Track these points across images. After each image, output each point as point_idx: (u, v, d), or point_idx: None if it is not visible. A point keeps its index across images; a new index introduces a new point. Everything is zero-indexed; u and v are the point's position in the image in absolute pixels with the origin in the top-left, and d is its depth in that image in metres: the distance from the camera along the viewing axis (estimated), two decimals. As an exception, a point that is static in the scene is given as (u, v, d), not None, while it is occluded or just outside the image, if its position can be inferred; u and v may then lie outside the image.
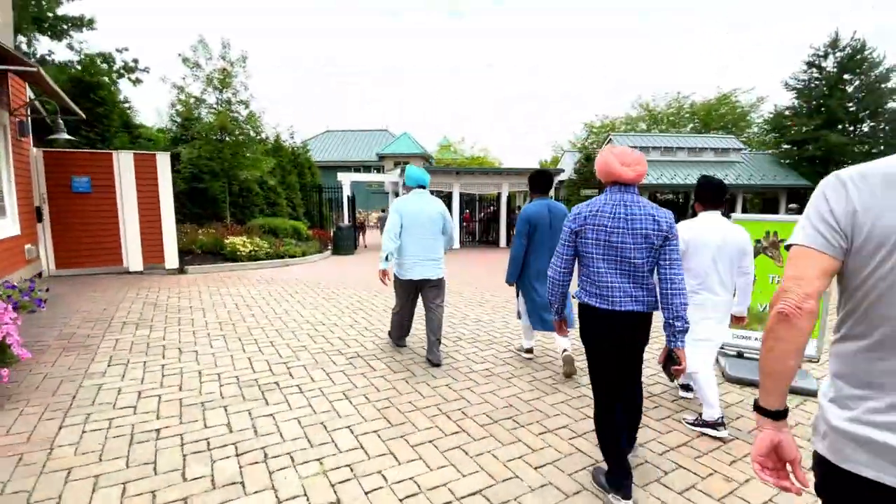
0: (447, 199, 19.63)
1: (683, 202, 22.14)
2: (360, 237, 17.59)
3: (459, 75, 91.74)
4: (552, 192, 16.90)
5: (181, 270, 8.68)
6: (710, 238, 2.92)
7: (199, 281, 7.93)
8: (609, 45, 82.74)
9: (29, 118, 6.77)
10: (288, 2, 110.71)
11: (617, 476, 2.21)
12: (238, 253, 9.96)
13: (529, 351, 4.35)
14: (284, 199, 16.10)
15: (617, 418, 2.27)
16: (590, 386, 2.65)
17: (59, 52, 23.85)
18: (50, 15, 23.15)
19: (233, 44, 11.73)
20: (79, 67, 17.60)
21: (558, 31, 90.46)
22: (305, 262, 11.63)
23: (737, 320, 3.30)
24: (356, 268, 10.63)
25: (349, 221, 17.00)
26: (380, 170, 33.01)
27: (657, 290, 2.23)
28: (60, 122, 6.79)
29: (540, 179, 4.07)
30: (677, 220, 2.50)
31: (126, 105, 11.35)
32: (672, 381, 3.38)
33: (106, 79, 22.64)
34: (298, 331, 5.04)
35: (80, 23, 23.89)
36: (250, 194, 14.35)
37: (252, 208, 14.35)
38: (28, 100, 6.61)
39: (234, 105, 11.64)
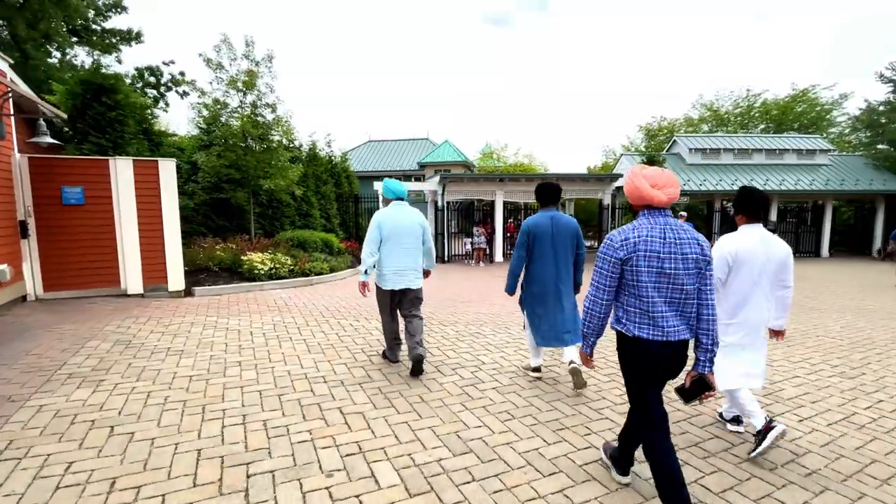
0: (490, 207, 18.13)
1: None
2: None
3: (499, 80, 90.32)
4: (608, 200, 15.00)
5: (188, 292, 7.65)
6: (757, 253, 2.84)
7: (201, 307, 6.83)
8: (651, 45, 78.81)
9: (11, 118, 5.93)
10: (320, 15, 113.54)
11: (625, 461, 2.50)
12: (256, 271, 8.87)
13: (537, 370, 4.12)
14: (318, 210, 15.14)
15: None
16: None
17: (111, 66, 24.47)
18: (98, 28, 23.84)
19: (258, 41, 10.74)
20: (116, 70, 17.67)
21: (599, 32, 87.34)
22: (334, 280, 10.44)
23: (776, 334, 3.14)
24: None
25: (385, 233, 15.86)
26: (421, 179, 32.03)
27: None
28: (42, 123, 5.90)
29: (544, 191, 3.92)
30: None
31: (149, 111, 10.59)
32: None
33: (144, 85, 22.94)
34: (288, 394, 3.68)
35: (129, 36, 24.48)
36: (280, 205, 13.44)
37: (282, 220, 13.43)
38: (6, 92, 5.71)
39: (260, 108, 10.70)
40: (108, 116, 8.91)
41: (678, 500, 2.06)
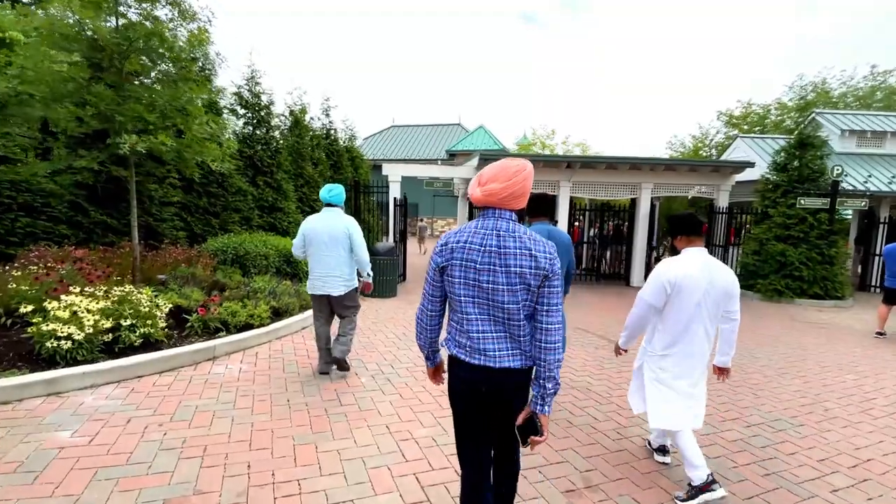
0: (550, 205, 12.73)
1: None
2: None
3: (539, 70, 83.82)
4: (724, 201, 8.26)
5: None
6: (699, 280, 2.56)
7: None
8: (716, 30, 70.70)
9: None
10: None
11: None
12: (54, 346, 3.75)
13: None
14: (294, 202, 10.03)
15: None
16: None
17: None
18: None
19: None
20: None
21: (652, 19, 79.59)
22: (275, 337, 5.30)
23: (720, 372, 2.87)
24: (390, 356, 4.16)
25: (394, 237, 10.63)
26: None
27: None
28: None
29: (540, 202, 3.56)
30: None
31: None
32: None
33: None
34: None
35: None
36: (224, 191, 8.35)
37: (225, 215, 8.34)
38: None
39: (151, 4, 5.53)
40: None
41: None
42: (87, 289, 4.44)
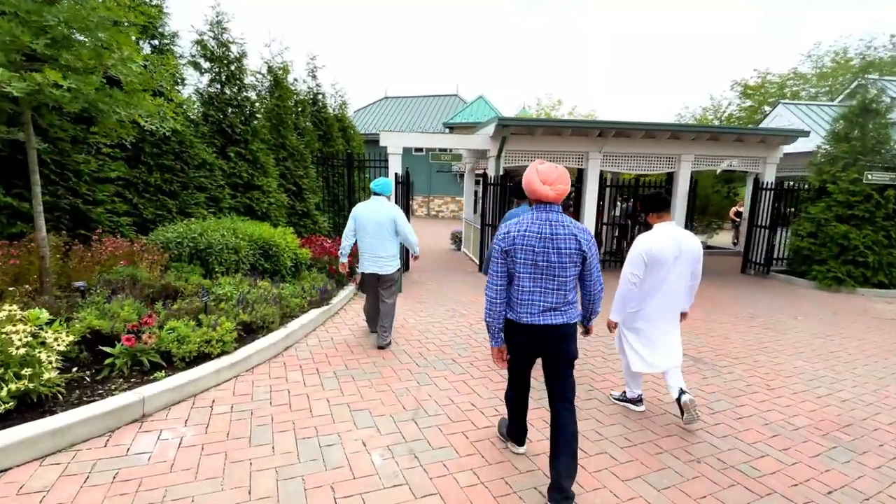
0: (577, 181, 10.85)
1: None
2: None
3: (540, 38, 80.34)
4: (770, 175, 6.56)
5: None
6: (670, 250, 3.00)
7: None
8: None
9: None
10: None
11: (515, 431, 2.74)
12: None
13: None
14: (275, 178, 8.26)
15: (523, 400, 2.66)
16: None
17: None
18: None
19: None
20: None
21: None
22: (244, 370, 3.67)
23: (681, 316, 3.35)
24: (411, 402, 2.44)
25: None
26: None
27: (579, 299, 2.42)
28: None
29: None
30: None
31: None
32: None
33: None
34: None
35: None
36: (184, 164, 6.57)
37: (186, 195, 6.57)
38: None
39: None
40: None
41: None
42: (-67, 315, 2.78)
